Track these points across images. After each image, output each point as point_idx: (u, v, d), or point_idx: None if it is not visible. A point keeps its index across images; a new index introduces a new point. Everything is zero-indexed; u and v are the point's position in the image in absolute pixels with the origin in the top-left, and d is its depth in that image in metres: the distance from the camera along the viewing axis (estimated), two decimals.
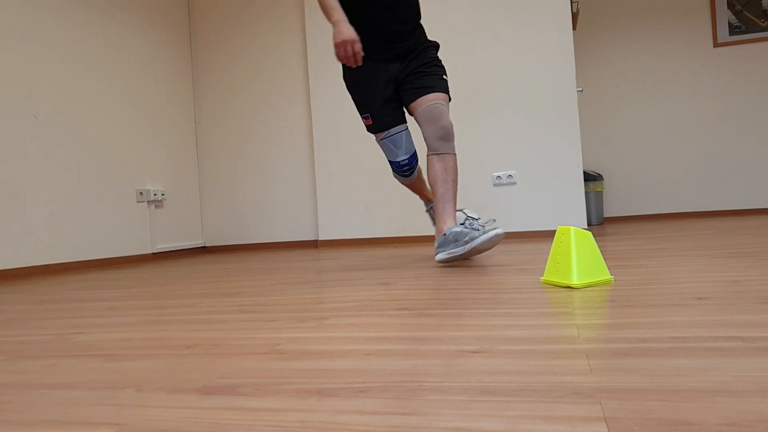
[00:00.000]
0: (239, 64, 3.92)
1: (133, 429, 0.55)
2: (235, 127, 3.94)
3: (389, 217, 3.54)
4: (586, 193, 4.09)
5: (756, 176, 4.37)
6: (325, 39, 3.64)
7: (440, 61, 2.05)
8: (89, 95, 3.08)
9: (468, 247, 1.77)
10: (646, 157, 4.56)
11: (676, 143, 4.51)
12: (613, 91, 4.62)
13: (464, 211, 2.03)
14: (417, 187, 2.19)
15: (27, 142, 2.68)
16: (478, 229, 1.82)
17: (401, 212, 3.51)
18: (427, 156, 1.98)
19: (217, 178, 3.98)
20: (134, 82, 3.42)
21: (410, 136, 2.03)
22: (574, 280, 1.25)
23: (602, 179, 4.14)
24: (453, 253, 1.82)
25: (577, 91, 3.24)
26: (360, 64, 1.83)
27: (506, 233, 3.30)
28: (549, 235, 3.23)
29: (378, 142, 2.05)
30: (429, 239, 3.46)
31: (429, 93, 1.95)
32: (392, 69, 1.97)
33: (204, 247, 3.99)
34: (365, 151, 3.57)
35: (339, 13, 1.82)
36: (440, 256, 1.86)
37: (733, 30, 4.38)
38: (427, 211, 2.28)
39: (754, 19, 4.35)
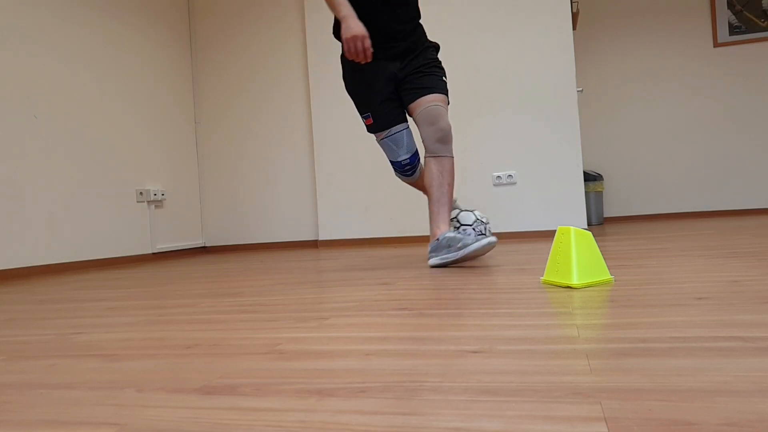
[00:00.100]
0: (239, 64, 3.92)
1: (133, 429, 0.55)
2: (235, 127, 3.94)
3: (389, 217, 3.54)
4: (586, 193, 4.09)
5: (756, 176, 4.37)
6: (325, 39, 3.64)
7: (440, 62, 2.04)
8: (89, 95, 3.08)
9: (461, 253, 1.78)
10: (646, 157, 4.56)
11: (676, 143, 4.51)
12: (613, 91, 4.62)
13: (474, 212, 2.04)
14: (421, 185, 2.19)
15: (27, 142, 2.68)
16: (471, 234, 1.83)
17: (401, 212, 3.51)
18: (425, 158, 1.98)
19: (217, 178, 3.98)
20: (134, 82, 3.42)
21: (411, 135, 2.02)
22: (574, 280, 1.25)
23: (602, 179, 4.14)
24: (445, 258, 1.84)
25: (577, 91, 3.24)
26: (369, 60, 1.81)
27: (506, 233, 3.30)
28: (549, 235, 3.23)
29: (379, 143, 2.04)
30: (429, 239, 3.45)
31: (428, 94, 1.95)
32: (391, 68, 1.97)
33: (204, 247, 3.99)
34: (365, 151, 3.57)
35: (347, 8, 1.80)
36: (433, 260, 1.88)
37: (733, 30, 4.38)
38: None
39: (754, 19, 4.35)
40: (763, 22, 4.33)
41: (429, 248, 1.92)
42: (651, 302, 1.02)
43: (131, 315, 1.28)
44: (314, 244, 3.79)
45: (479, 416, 0.52)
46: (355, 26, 1.76)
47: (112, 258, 3.16)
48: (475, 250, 1.75)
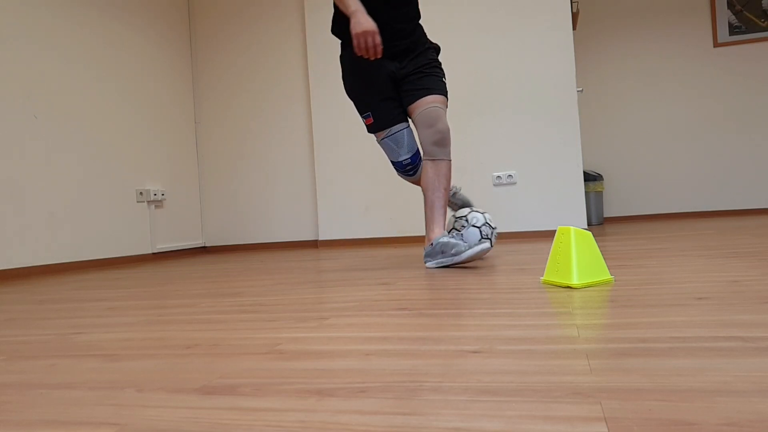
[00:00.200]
0: (239, 64, 3.92)
1: (133, 429, 0.55)
2: (235, 127, 3.94)
3: (389, 217, 3.54)
4: (586, 193, 4.09)
5: (756, 176, 4.37)
6: (325, 39, 3.64)
7: (440, 63, 2.04)
8: (89, 95, 3.08)
9: (455, 259, 1.80)
10: (646, 157, 4.56)
11: (676, 143, 4.51)
12: (613, 91, 4.62)
13: (485, 215, 2.04)
14: None
15: (27, 142, 2.68)
16: (476, 233, 1.83)
17: (401, 212, 3.51)
18: (422, 160, 1.98)
19: (217, 178, 3.98)
20: (134, 82, 3.42)
21: (412, 134, 2.01)
22: (574, 280, 1.25)
23: (602, 179, 4.14)
24: (441, 263, 1.85)
25: (577, 91, 3.24)
26: (380, 56, 1.79)
27: (506, 233, 3.30)
28: (549, 235, 3.23)
29: (379, 143, 2.04)
30: None
31: (428, 95, 1.94)
32: (390, 67, 1.96)
33: (204, 247, 3.99)
34: (365, 151, 3.57)
35: (356, 3, 1.78)
36: (428, 264, 1.90)
37: (733, 30, 4.38)
38: None
39: (754, 19, 4.35)
40: (763, 22, 4.33)
41: (424, 252, 1.92)
42: (651, 302, 1.02)
43: (131, 315, 1.28)
44: (314, 244, 3.79)
45: (479, 416, 0.52)
46: (365, 21, 1.74)
47: (112, 258, 3.16)
48: (469, 257, 1.77)
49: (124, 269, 2.79)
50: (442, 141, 1.93)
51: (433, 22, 3.39)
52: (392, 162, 2.04)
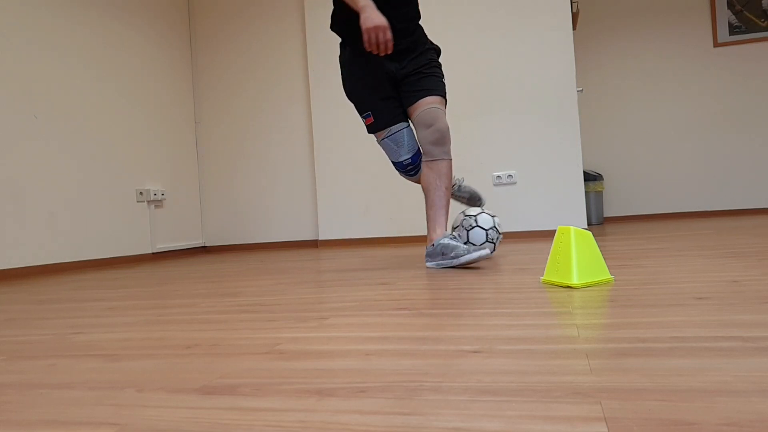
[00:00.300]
0: (239, 64, 3.92)
1: (133, 429, 0.55)
2: (235, 127, 3.94)
3: (389, 217, 3.54)
4: (586, 193, 4.09)
5: (755, 176, 4.37)
6: (325, 38, 3.64)
7: (440, 64, 2.04)
8: (89, 95, 3.08)
9: (454, 262, 1.80)
10: (646, 157, 4.56)
11: (676, 143, 4.51)
12: (613, 91, 4.62)
13: (495, 219, 2.04)
14: None
15: (27, 142, 2.68)
16: (482, 235, 1.84)
17: (401, 212, 3.51)
18: (422, 161, 1.98)
19: (217, 178, 3.98)
20: (134, 81, 3.42)
21: (412, 134, 2.01)
22: (574, 280, 1.25)
23: (602, 179, 4.14)
24: (441, 264, 1.86)
25: (577, 91, 3.24)
26: (390, 52, 1.77)
27: (506, 233, 3.30)
28: (549, 235, 3.23)
29: (379, 143, 2.03)
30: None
31: (427, 96, 1.94)
32: (390, 66, 1.96)
33: (204, 247, 3.99)
34: (365, 151, 3.57)
35: None
36: (428, 264, 1.91)
37: (733, 30, 4.38)
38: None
39: (754, 19, 4.35)
40: (763, 22, 4.33)
41: (425, 251, 1.92)
42: (651, 302, 1.02)
43: (131, 315, 1.28)
44: (314, 244, 3.79)
45: (479, 416, 0.52)
46: (376, 17, 1.72)
47: (112, 258, 3.16)
48: (467, 261, 1.77)
49: (124, 269, 2.79)
50: (441, 140, 1.92)
51: (433, 22, 3.39)
52: (393, 162, 2.04)
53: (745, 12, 4.36)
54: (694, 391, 0.55)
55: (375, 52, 1.77)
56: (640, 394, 0.55)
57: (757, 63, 4.36)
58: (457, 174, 3.37)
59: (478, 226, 2.01)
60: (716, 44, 4.41)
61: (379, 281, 1.61)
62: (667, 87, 4.52)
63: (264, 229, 3.89)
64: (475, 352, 0.75)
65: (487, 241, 2.01)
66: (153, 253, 3.46)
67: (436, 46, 2.07)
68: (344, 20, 1.93)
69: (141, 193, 3.38)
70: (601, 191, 4.17)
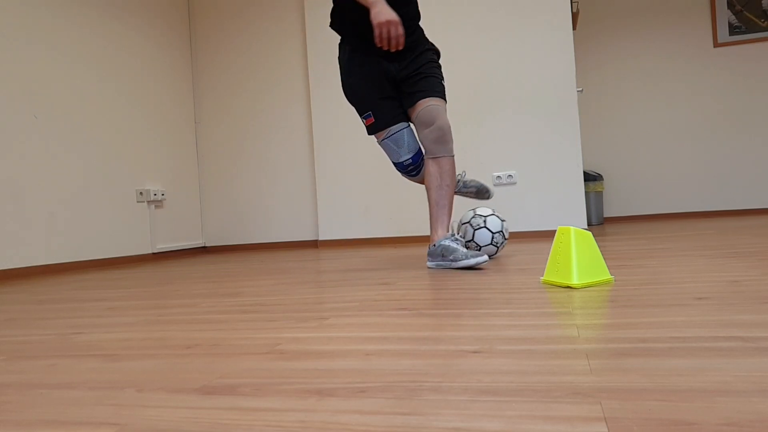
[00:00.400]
0: (239, 64, 3.92)
1: (133, 429, 0.55)
2: (235, 127, 3.94)
3: (389, 217, 3.54)
4: (586, 193, 4.09)
5: (756, 176, 4.37)
6: (325, 38, 3.64)
7: (440, 66, 2.04)
8: (89, 95, 3.08)
9: (453, 265, 1.81)
10: (646, 157, 4.56)
11: (676, 143, 4.51)
12: (613, 91, 4.62)
13: (504, 223, 2.05)
14: None
15: (27, 142, 2.68)
16: (487, 237, 1.85)
17: (401, 212, 3.51)
18: (424, 159, 1.97)
19: (217, 178, 3.98)
20: (134, 81, 3.42)
21: (413, 134, 2.00)
22: (574, 280, 1.25)
23: (602, 179, 4.14)
24: (440, 265, 1.86)
25: (577, 91, 3.24)
26: (401, 47, 1.76)
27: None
28: (549, 235, 3.23)
29: (380, 144, 2.03)
30: (429, 239, 3.45)
31: (427, 96, 1.94)
32: (389, 67, 1.96)
33: (204, 247, 3.99)
34: (365, 151, 3.57)
35: None
36: (429, 264, 1.92)
37: (733, 30, 4.38)
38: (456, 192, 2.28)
39: (754, 19, 4.35)
40: (763, 22, 4.33)
41: (428, 250, 1.93)
42: (651, 302, 1.02)
43: (131, 315, 1.28)
44: (314, 244, 3.79)
45: (479, 416, 0.52)
46: (386, 12, 1.70)
47: (112, 258, 3.16)
48: (465, 266, 1.78)
49: (124, 269, 2.79)
50: (442, 138, 1.92)
51: (433, 22, 3.39)
52: (394, 163, 2.03)
53: (745, 12, 4.36)
54: (694, 391, 0.55)
55: (386, 48, 1.76)
56: (640, 394, 0.55)
57: (757, 63, 4.36)
58: (457, 168, 3.37)
59: (485, 227, 2.01)
60: (716, 44, 4.41)
61: (380, 281, 1.61)
62: (667, 87, 4.52)
63: (264, 229, 3.89)
64: (475, 352, 0.75)
65: (491, 244, 2.01)
66: (153, 253, 3.46)
67: (436, 47, 2.07)
68: (344, 17, 1.93)
69: (141, 193, 3.38)
70: (601, 191, 4.17)
